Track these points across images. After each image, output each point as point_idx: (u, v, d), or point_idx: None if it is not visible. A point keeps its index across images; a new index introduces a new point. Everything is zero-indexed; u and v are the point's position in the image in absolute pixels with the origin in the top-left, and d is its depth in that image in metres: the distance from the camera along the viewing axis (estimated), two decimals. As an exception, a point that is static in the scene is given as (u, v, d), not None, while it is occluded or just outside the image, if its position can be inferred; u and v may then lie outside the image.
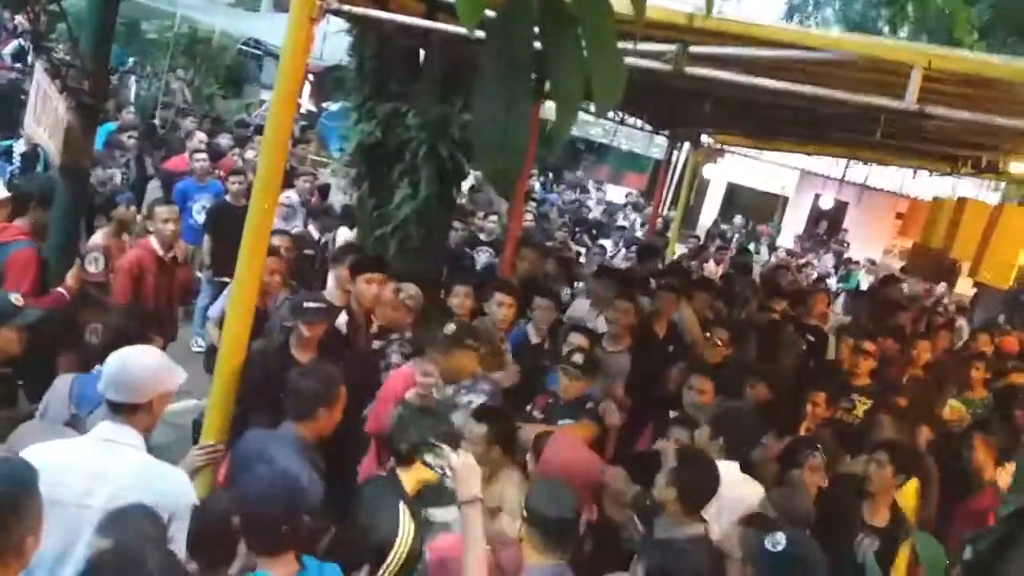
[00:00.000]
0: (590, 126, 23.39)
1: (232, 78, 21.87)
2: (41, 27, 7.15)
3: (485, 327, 5.95)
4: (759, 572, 3.29)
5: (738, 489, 4.22)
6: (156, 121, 12.91)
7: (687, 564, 3.65)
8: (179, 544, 3.12)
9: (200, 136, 11.39)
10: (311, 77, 16.97)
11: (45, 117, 5.65)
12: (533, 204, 14.34)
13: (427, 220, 6.97)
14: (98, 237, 6.84)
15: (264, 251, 4.66)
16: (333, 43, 9.00)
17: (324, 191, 10.74)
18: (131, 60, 19.39)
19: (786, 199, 27.88)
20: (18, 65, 14.58)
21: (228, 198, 8.94)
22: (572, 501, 3.42)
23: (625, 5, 1.51)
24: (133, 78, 18.30)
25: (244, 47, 22.74)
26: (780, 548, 3.22)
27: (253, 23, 22.13)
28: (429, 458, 3.72)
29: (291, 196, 9.69)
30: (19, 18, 15.95)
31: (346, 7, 4.57)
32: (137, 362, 3.41)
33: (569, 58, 1.38)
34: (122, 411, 3.31)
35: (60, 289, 5.57)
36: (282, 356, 4.91)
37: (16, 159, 9.59)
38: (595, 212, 21.12)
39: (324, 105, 18.11)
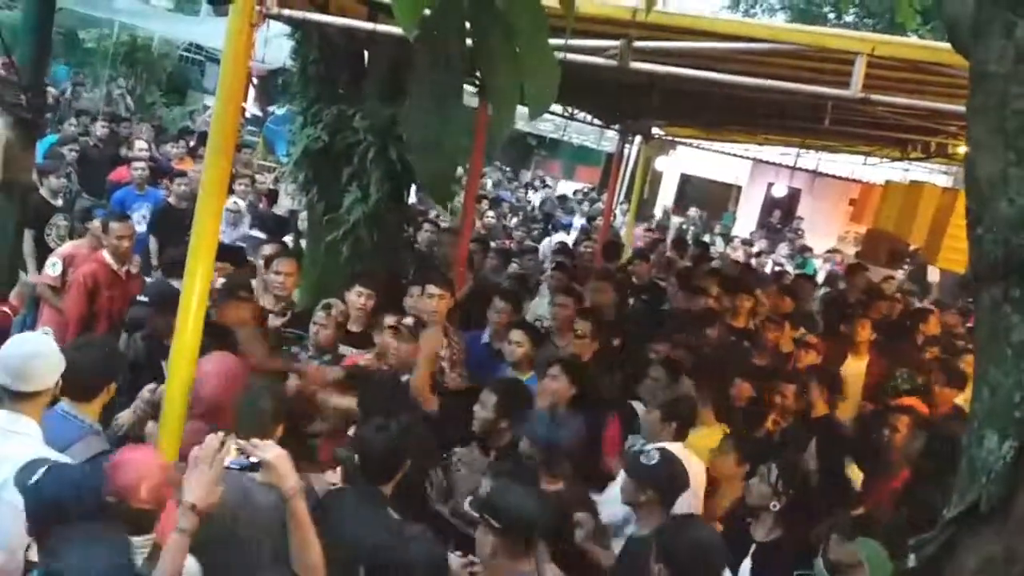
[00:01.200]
0: (541, 121, 23.35)
1: (174, 85, 21.54)
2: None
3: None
4: (637, 482, 3.95)
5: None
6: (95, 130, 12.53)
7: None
8: None
9: (140, 144, 11.13)
10: (255, 81, 16.74)
11: (-18, 133, 5.49)
12: (486, 202, 14.27)
13: (379, 223, 6.85)
14: (67, 246, 6.85)
15: (212, 257, 4.51)
16: (275, 46, 8.89)
17: (272, 197, 10.56)
18: (67, 70, 19.02)
19: (740, 188, 27.98)
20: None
21: (171, 199, 8.87)
22: (534, 497, 3.50)
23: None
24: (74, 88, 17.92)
25: (185, 53, 22.42)
26: (653, 461, 3.95)
27: (193, 28, 21.81)
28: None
29: (237, 201, 9.56)
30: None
31: (286, 12, 4.46)
32: (35, 349, 3.41)
33: (501, 57, 1.33)
34: (20, 399, 3.30)
35: (3, 308, 5.42)
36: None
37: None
38: (551, 208, 21.09)
39: (270, 109, 17.90)
